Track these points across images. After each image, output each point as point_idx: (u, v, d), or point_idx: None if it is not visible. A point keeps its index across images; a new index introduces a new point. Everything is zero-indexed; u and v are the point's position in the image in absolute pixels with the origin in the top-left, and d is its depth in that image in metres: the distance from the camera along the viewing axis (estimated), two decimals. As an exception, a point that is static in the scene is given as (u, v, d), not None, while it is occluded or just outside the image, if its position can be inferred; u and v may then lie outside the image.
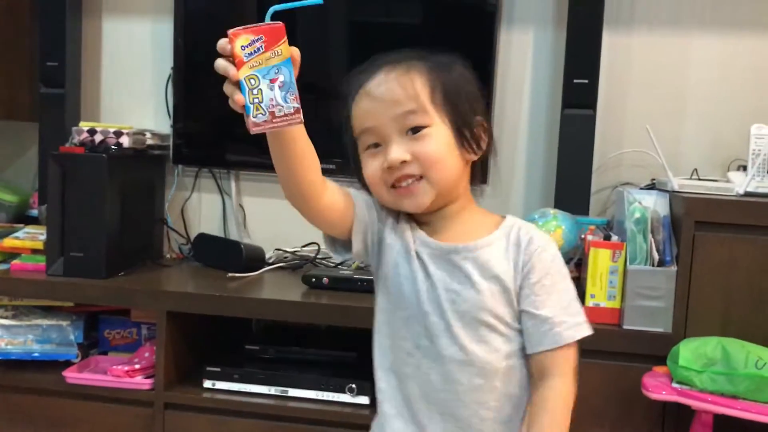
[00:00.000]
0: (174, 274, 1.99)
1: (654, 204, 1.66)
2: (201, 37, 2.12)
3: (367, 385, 1.67)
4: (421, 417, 1.01)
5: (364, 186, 1.07)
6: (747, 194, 1.69)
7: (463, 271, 1.00)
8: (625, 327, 1.58)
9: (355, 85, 1.03)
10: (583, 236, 1.70)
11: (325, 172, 2.11)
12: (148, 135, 2.05)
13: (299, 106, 0.83)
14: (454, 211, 1.05)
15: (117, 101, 2.24)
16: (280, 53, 0.81)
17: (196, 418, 1.74)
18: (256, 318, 1.97)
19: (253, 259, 1.99)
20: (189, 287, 1.85)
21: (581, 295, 1.62)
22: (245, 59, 0.80)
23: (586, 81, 1.86)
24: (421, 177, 0.99)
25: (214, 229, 2.18)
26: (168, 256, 2.18)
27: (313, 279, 1.80)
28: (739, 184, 1.71)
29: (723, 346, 1.41)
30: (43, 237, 1.88)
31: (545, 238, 1.05)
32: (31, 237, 1.93)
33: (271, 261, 2.07)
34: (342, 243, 1.05)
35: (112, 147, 1.89)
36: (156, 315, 1.74)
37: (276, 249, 2.12)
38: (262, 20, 0.85)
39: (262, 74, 0.80)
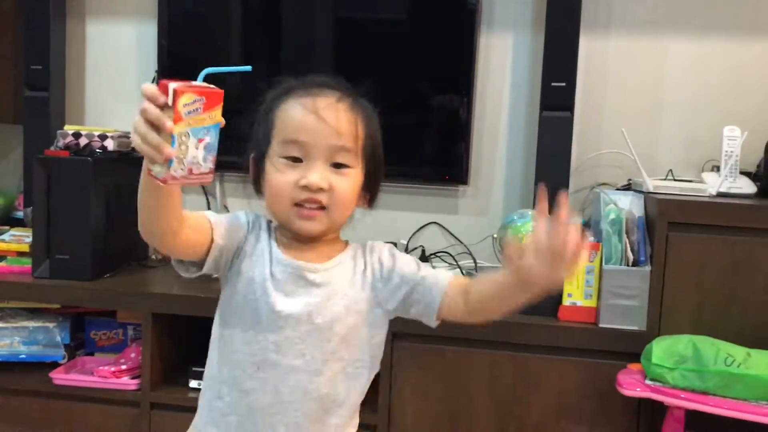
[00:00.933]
0: (159, 275, 2.01)
1: (629, 205, 1.71)
2: (185, 39, 2.14)
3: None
4: (262, 429, 1.01)
5: (258, 187, 1.05)
6: (720, 195, 1.74)
7: (318, 288, 1.02)
8: (601, 325, 1.63)
9: (294, 90, 1.03)
10: (560, 236, 1.74)
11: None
12: (132, 138, 2.07)
13: (213, 167, 0.86)
14: (326, 240, 1.06)
15: (101, 104, 2.26)
16: (213, 117, 0.84)
17: (182, 418, 1.73)
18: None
19: (238, 260, 2.02)
20: (174, 289, 1.87)
21: (559, 295, 1.68)
22: (183, 117, 0.80)
23: (564, 84, 1.90)
24: (324, 208, 1.00)
25: (199, 230, 2.20)
26: (153, 257, 2.20)
27: (297, 280, 1.83)
28: (712, 184, 1.76)
29: (694, 343, 1.46)
30: (29, 240, 1.90)
31: (380, 243, 1.09)
32: (16, 240, 1.95)
33: (255, 261, 2.09)
34: (192, 263, 1.02)
35: (97, 150, 1.91)
36: (142, 316, 1.77)
37: (260, 250, 2.14)
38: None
39: (193, 133, 0.82)
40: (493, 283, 0.99)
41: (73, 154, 1.88)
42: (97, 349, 1.98)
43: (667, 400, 1.45)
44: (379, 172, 1.06)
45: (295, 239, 1.03)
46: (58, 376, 1.81)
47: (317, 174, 0.98)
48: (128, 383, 1.78)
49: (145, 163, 0.85)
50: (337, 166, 1.00)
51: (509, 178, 2.10)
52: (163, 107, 0.81)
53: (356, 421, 1.08)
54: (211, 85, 0.85)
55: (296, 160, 0.99)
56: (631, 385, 1.48)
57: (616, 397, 1.56)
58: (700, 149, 1.99)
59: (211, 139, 0.84)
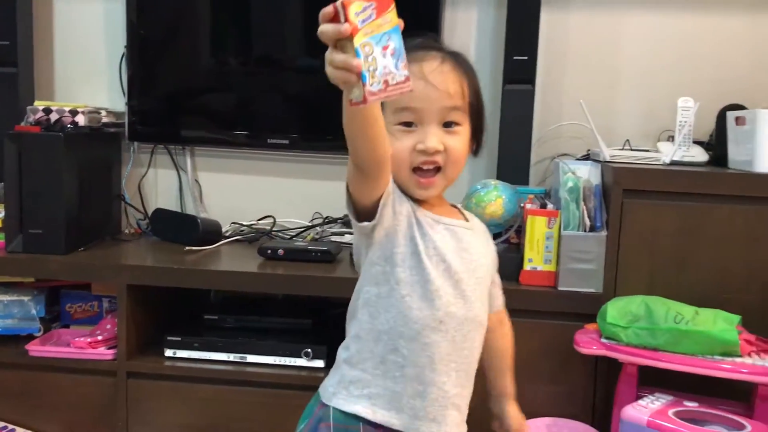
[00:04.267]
0: (133, 248, 2.05)
1: (588, 174, 1.78)
2: (153, 15, 2.15)
3: (322, 349, 1.77)
4: (438, 376, 1.08)
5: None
6: (673, 163, 1.81)
7: (470, 244, 1.11)
8: (560, 288, 1.70)
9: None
10: (522, 205, 1.81)
11: (279, 147, 2.17)
12: (103, 113, 2.09)
13: (408, 73, 0.82)
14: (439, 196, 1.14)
15: (71, 80, 2.27)
16: (389, 20, 0.80)
17: (158, 386, 1.82)
18: (214, 289, 2.05)
19: (210, 232, 2.06)
20: (148, 261, 1.91)
21: (520, 260, 1.75)
22: (359, 26, 0.77)
23: (526, 58, 1.96)
24: (439, 169, 1.06)
25: (170, 204, 2.24)
26: (126, 231, 2.23)
27: (269, 251, 1.88)
28: (666, 153, 1.83)
29: (646, 303, 1.54)
30: (2, 215, 1.92)
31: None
32: (-11, 215, 1.97)
33: (227, 234, 2.14)
34: (363, 211, 1.03)
35: (68, 126, 1.93)
36: (117, 288, 1.81)
37: (232, 223, 2.19)
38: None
39: (375, 41, 0.78)
40: (501, 374, 1.30)
41: (44, 129, 1.90)
42: (72, 322, 2.01)
43: (621, 357, 1.53)
44: (483, 123, 1.13)
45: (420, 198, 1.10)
46: (35, 348, 1.84)
47: (433, 137, 1.03)
48: (104, 353, 1.82)
49: (344, 95, 0.85)
50: (448, 125, 1.05)
51: (474, 150, 2.16)
52: (336, 22, 0.79)
53: None
54: None
55: (409, 124, 1.04)
56: (588, 343, 1.56)
57: (575, 356, 1.64)
58: (656, 120, 2.07)
59: (396, 43, 0.80)
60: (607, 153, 1.82)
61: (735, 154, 1.78)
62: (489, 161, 2.13)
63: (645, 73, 2.09)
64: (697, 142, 1.91)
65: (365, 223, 1.03)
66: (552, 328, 1.70)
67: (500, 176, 1.97)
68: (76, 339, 1.84)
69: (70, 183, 1.90)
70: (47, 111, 1.94)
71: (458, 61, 1.09)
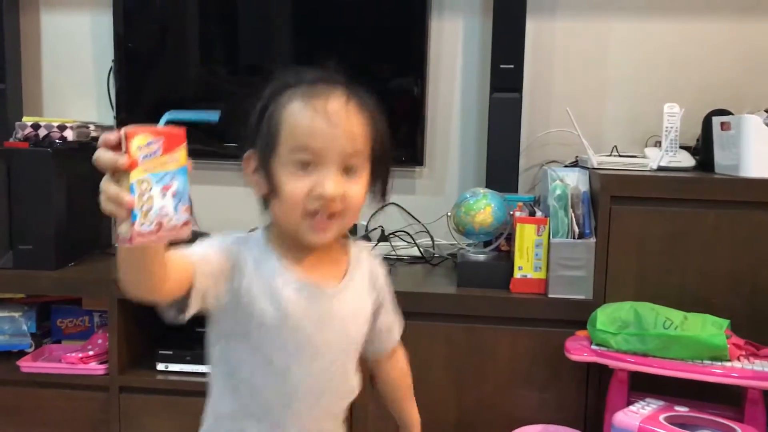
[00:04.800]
0: (123, 262, 2.04)
1: (576, 181, 1.79)
2: (140, 29, 2.16)
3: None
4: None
5: (263, 192, 0.98)
6: (660, 169, 1.83)
7: (335, 313, 1.01)
8: (550, 295, 1.71)
9: (299, 88, 0.97)
10: (511, 213, 1.82)
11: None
12: (92, 127, 2.09)
13: (189, 218, 0.76)
14: (329, 245, 1.03)
15: (59, 95, 2.27)
16: (177, 159, 0.74)
17: (150, 400, 1.82)
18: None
19: (201, 245, 2.06)
20: (139, 275, 1.90)
21: (510, 268, 1.75)
22: (139, 161, 0.70)
23: (512, 66, 1.97)
24: (337, 216, 0.96)
25: (161, 217, 2.23)
26: (116, 245, 2.22)
27: (259, 262, 1.88)
28: (653, 159, 1.85)
29: (635, 309, 1.55)
30: (-9, 231, 1.91)
31: (378, 260, 1.11)
32: (-22, 231, 1.96)
33: (218, 246, 2.13)
34: (176, 306, 0.93)
35: (57, 141, 1.93)
36: (107, 303, 1.81)
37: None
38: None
39: (155, 179, 0.72)
40: (401, 402, 1.19)
41: (33, 145, 1.90)
42: (63, 337, 2.01)
43: (612, 363, 1.53)
44: (388, 167, 1.03)
45: (297, 248, 0.99)
46: (26, 364, 1.84)
47: (332, 183, 0.93)
48: (96, 368, 1.82)
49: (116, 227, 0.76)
50: (349, 170, 0.95)
51: (463, 159, 2.18)
52: (117, 151, 0.72)
53: None
54: (170, 127, 0.76)
55: (305, 165, 0.94)
56: (578, 350, 1.56)
57: (566, 362, 1.64)
58: (642, 125, 2.08)
59: (181, 185, 0.74)
60: (595, 160, 1.83)
61: (721, 159, 1.80)
62: (478, 169, 2.14)
63: (631, 80, 2.11)
64: (683, 147, 1.92)
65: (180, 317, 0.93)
66: (542, 335, 1.71)
67: (489, 184, 1.98)
68: (68, 354, 1.84)
69: (60, 198, 1.90)
70: (36, 126, 1.94)
71: (364, 101, 0.99)
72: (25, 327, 1.91)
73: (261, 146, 0.97)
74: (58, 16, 2.25)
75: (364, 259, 1.08)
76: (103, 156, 0.73)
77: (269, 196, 0.97)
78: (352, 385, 1.07)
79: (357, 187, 0.97)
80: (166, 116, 0.81)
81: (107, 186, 0.73)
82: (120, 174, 0.72)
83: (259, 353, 0.98)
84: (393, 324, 1.15)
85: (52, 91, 2.27)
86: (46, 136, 1.94)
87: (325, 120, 0.94)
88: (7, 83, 2.11)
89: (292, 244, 0.99)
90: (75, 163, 1.98)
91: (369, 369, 1.17)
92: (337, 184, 0.94)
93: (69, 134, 1.95)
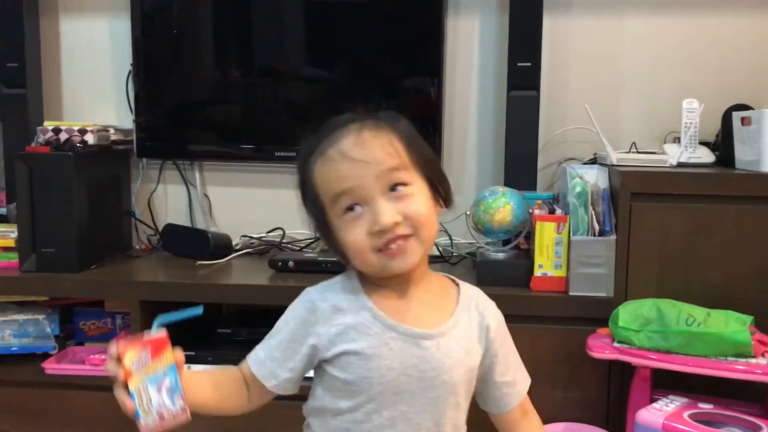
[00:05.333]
0: (144, 264, 2.06)
1: (595, 178, 1.78)
2: (159, 32, 2.18)
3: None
4: None
5: (338, 251, 1.00)
6: (680, 165, 1.82)
7: (434, 358, 0.97)
8: (570, 293, 1.70)
9: (318, 148, 0.96)
10: (530, 211, 1.81)
11: (286, 159, 2.17)
12: (111, 131, 2.11)
13: (185, 404, 0.89)
14: (417, 276, 1.00)
15: (78, 99, 2.29)
16: (165, 360, 0.88)
17: (173, 400, 1.83)
18: (226, 303, 2.06)
19: (221, 246, 2.08)
20: (160, 276, 1.92)
21: (530, 266, 1.75)
22: (134, 372, 0.86)
23: (529, 64, 1.97)
24: (410, 236, 0.94)
25: (180, 219, 2.25)
26: (137, 247, 2.25)
27: (279, 263, 1.89)
28: (672, 155, 1.84)
29: (657, 306, 1.54)
30: (14, 235, 1.93)
31: (494, 306, 1.08)
32: (1, 235, 1.98)
33: (238, 247, 2.15)
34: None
35: (78, 145, 1.95)
36: (130, 304, 1.82)
37: (242, 236, 2.20)
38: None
39: (150, 382, 0.86)
40: None
41: (54, 149, 1.92)
42: (86, 339, 2.03)
43: (634, 361, 1.53)
44: (439, 173, 1.00)
45: (392, 291, 0.98)
46: (51, 366, 1.86)
47: (384, 212, 0.91)
48: (119, 370, 1.83)
49: None
50: (395, 188, 0.93)
51: (480, 158, 2.17)
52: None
53: None
54: (154, 333, 0.90)
55: (352, 209, 0.93)
56: (600, 348, 1.56)
57: (587, 360, 1.64)
58: (661, 122, 2.07)
59: (171, 381, 0.88)
60: (614, 156, 1.82)
61: (742, 154, 1.78)
62: (496, 168, 2.14)
63: (649, 76, 2.10)
64: (703, 143, 1.91)
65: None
66: (564, 333, 1.71)
67: (507, 182, 1.97)
68: (91, 356, 1.86)
69: (81, 201, 1.92)
70: (56, 131, 1.96)
71: (379, 123, 0.97)
72: (48, 329, 1.93)
73: (314, 216, 0.99)
74: (76, 22, 2.27)
75: (475, 303, 1.04)
76: (109, 368, 0.89)
77: (346, 256, 0.98)
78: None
79: (415, 202, 0.94)
80: (157, 322, 0.90)
81: (116, 392, 0.88)
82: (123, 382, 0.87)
83: (337, 397, 0.98)
84: (514, 378, 1.08)
85: (72, 96, 2.29)
86: (67, 140, 1.96)
87: (347, 161, 0.93)
88: (27, 88, 2.13)
89: (387, 288, 0.99)
90: (96, 167, 2.01)
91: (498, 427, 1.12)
92: (389, 211, 0.92)
93: (89, 138, 1.97)
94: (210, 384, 0.98)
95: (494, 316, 1.06)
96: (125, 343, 0.87)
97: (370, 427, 0.96)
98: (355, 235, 0.93)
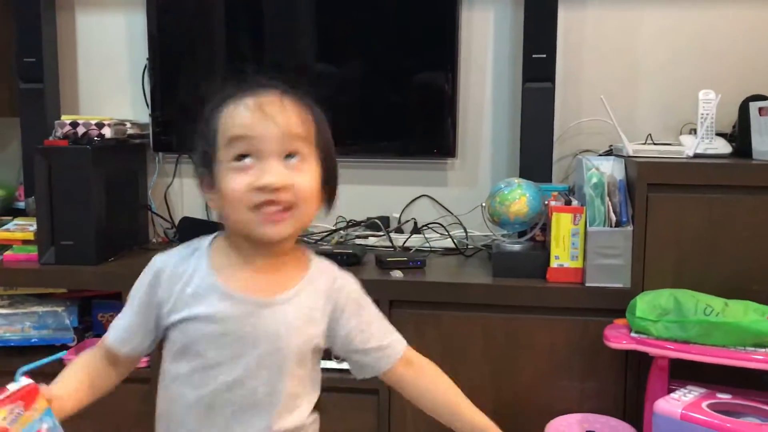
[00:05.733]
0: (161, 257, 2.07)
1: (611, 169, 1.78)
2: (174, 26, 2.19)
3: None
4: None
5: (215, 203, 0.99)
6: (696, 156, 1.81)
7: (270, 325, 0.96)
8: (587, 284, 1.70)
9: (232, 95, 0.96)
10: (546, 202, 1.82)
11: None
12: (128, 125, 2.12)
13: None
14: (283, 250, 0.99)
15: (95, 93, 2.31)
16: (38, 407, 0.89)
17: (191, 392, 1.84)
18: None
19: (237, 239, 2.08)
20: (177, 269, 1.93)
21: (546, 258, 1.75)
22: (9, 427, 0.85)
23: (544, 55, 1.97)
24: (290, 208, 0.93)
25: (196, 212, 2.27)
26: (154, 240, 2.26)
27: (295, 255, 1.90)
28: (689, 146, 1.83)
29: (675, 297, 1.54)
30: (33, 228, 1.95)
31: (347, 278, 1.05)
32: (20, 228, 2.00)
33: (253, 240, 2.16)
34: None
35: (95, 138, 1.97)
36: (147, 296, 1.83)
37: (257, 229, 2.21)
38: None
39: (29, 430, 0.87)
40: (456, 412, 1.05)
41: (72, 143, 1.94)
42: (104, 331, 2.02)
43: (652, 351, 1.53)
44: (335, 171, 1.00)
45: (245, 260, 0.97)
46: (70, 358, 1.87)
47: (273, 173, 0.91)
48: (138, 361, 1.85)
49: None
50: (291, 156, 0.93)
51: (495, 150, 2.17)
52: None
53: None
54: (25, 382, 0.90)
55: (244, 157, 0.92)
56: (618, 338, 1.56)
57: (604, 352, 1.64)
58: (677, 113, 2.06)
59: (49, 423, 0.90)
60: (630, 148, 1.82)
61: (759, 145, 1.78)
62: (511, 160, 2.14)
63: (665, 67, 2.09)
64: (719, 135, 1.90)
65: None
66: (580, 324, 1.71)
67: (522, 174, 1.97)
68: (110, 348, 1.87)
69: (99, 194, 1.93)
70: (74, 125, 1.98)
71: (303, 98, 0.97)
72: (67, 321, 1.94)
73: (204, 155, 0.97)
74: (93, 17, 2.29)
75: (326, 276, 1.02)
76: None
77: (222, 204, 0.96)
78: (284, 409, 0.98)
79: (305, 175, 0.94)
80: (20, 372, 0.95)
81: None
82: None
83: (178, 361, 0.99)
84: (380, 343, 1.04)
85: (88, 90, 2.31)
86: (85, 133, 1.97)
87: (258, 111, 0.92)
88: (45, 83, 2.14)
89: (246, 251, 0.97)
90: (113, 160, 2.02)
91: (394, 386, 1.09)
92: (280, 173, 0.91)
93: (107, 131, 1.99)
94: (79, 387, 1.01)
95: (344, 287, 1.03)
96: None
97: (206, 391, 0.96)
98: (237, 184, 0.91)
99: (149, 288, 1.01)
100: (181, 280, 0.98)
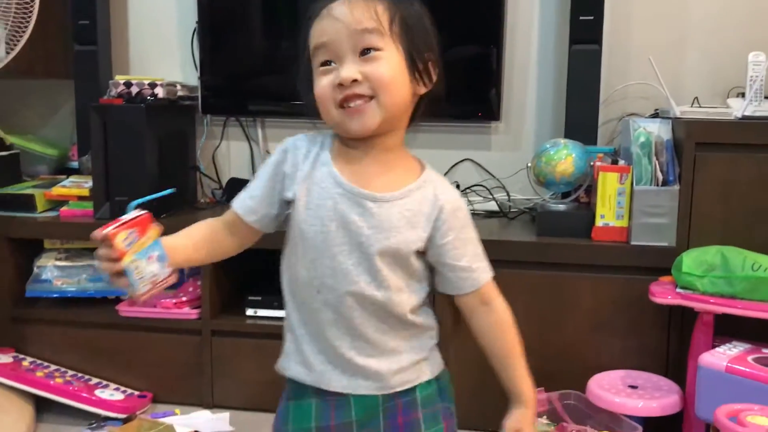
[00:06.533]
0: (210, 214, 2.09)
1: (657, 130, 1.78)
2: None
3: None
4: (331, 340, 1.03)
5: (312, 108, 1.04)
6: (744, 118, 1.80)
7: (373, 218, 1.01)
8: (632, 243, 1.72)
9: (316, 9, 1.03)
10: (591, 164, 1.83)
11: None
12: (178, 86, 2.17)
13: (171, 270, 0.99)
14: (386, 146, 1.04)
15: (145, 56, 2.36)
16: (151, 236, 0.96)
17: (240, 343, 1.91)
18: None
19: (283, 199, 2.13)
20: (227, 225, 1.98)
21: (591, 218, 1.77)
22: (126, 250, 0.92)
23: (592, 17, 1.96)
24: (371, 98, 0.99)
25: (243, 174, 2.32)
26: (202, 200, 2.32)
27: (342, 213, 1.94)
28: (737, 108, 1.82)
29: (722, 253, 1.55)
30: (87, 185, 2.02)
31: (456, 194, 1.08)
32: (76, 185, 2.07)
33: (299, 201, 2.20)
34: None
35: (148, 98, 2.02)
36: (199, 251, 1.89)
37: (303, 190, 2.25)
38: None
39: (140, 256, 0.94)
40: (502, 367, 1.09)
41: (126, 101, 1.99)
42: (155, 286, 2.11)
43: (698, 306, 1.54)
44: (422, 50, 1.02)
45: (353, 157, 1.03)
46: (125, 309, 1.94)
47: (346, 68, 0.98)
48: (189, 313, 1.91)
49: None
50: (366, 52, 0.98)
51: (540, 113, 2.18)
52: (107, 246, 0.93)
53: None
54: (137, 213, 0.96)
55: (327, 63, 0.99)
56: (663, 294, 1.57)
57: (648, 309, 1.67)
58: (725, 77, 2.05)
59: (159, 251, 0.96)
60: (677, 109, 1.82)
61: (809, 107, 1.77)
62: (556, 123, 2.15)
63: (713, 30, 2.08)
64: (768, 98, 1.89)
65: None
66: (625, 282, 1.73)
67: (568, 137, 1.98)
68: (162, 300, 1.93)
69: (152, 152, 1.98)
70: (128, 84, 2.03)
71: None
72: (122, 274, 2.01)
73: (302, 71, 1.04)
74: (144, -19, 2.34)
75: (434, 185, 1.05)
76: (100, 253, 0.93)
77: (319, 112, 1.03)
78: (384, 298, 1.02)
79: (380, 65, 0.98)
80: (133, 204, 0.97)
81: (107, 270, 0.94)
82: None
83: (298, 250, 1.04)
84: (470, 264, 1.07)
85: (138, 53, 2.36)
86: (138, 93, 2.03)
87: (330, 18, 0.99)
88: (98, 45, 2.20)
89: (356, 148, 1.04)
90: (165, 120, 2.08)
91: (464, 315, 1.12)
92: (351, 68, 0.97)
93: (159, 91, 2.04)
94: (191, 244, 1.07)
95: (451, 201, 1.05)
96: (114, 227, 0.92)
97: (314, 274, 1.02)
98: (321, 86, 0.99)
99: (276, 163, 1.07)
100: (306, 159, 1.05)
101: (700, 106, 1.98)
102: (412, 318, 1.06)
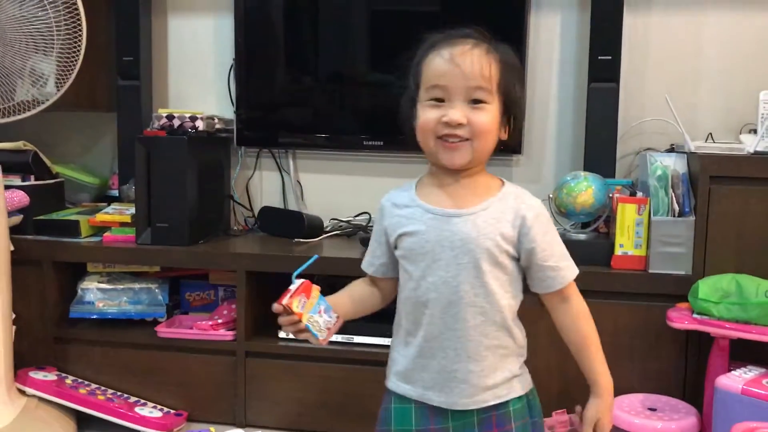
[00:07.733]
0: (245, 241, 2.23)
1: (673, 164, 1.87)
2: (259, 31, 2.35)
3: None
4: (437, 356, 1.19)
5: (405, 124, 1.22)
6: (756, 153, 1.89)
7: (461, 231, 1.16)
8: (650, 271, 1.80)
9: (436, 43, 1.18)
10: (610, 195, 1.92)
11: (374, 148, 2.28)
12: (216, 120, 2.29)
13: (337, 315, 1.23)
14: (470, 174, 1.19)
15: (184, 91, 2.48)
16: (315, 296, 1.19)
17: (273, 364, 1.99)
18: (322, 275, 2.21)
19: (313, 227, 2.23)
20: (262, 250, 2.08)
21: (610, 246, 1.85)
22: (302, 311, 1.17)
23: (610, 57, 2.07)
24: (467, 140, 1.14)
25: (275, 203, 2.42)
26: (235, 228, 2.42)
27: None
28: (749, 144, 1.91)
29: (737, 280, 1.63)
30: (129, 212, 2.13)
31: (537, 202, 1.22)
32: (118, 212, 2.17)
33: (327, 229, 2.30)
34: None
35: (189, 130, 2.13)
36: (234, 276, 1.99)
37: (332, 219, 2.36)
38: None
39: (313, 313, 1.18)
40: (579, 357, 1.26)
41: (169, 133, 2.11)
42: (191, 309, 2.21)
43: (713, 331, 1.61)
44: (515, 105, 1.20)
45: (441, 185, 1.19)
46: (163, 330, 2.04)
47: (456, 111, 1.14)
48: (225, 334, 2.00)
49: None
50: (476, 102, 1.14)
51: (559, 147, 2.28)
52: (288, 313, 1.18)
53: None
54: (299, 282, 1.19)
55: (439, 101, 1.15)
56: (680, 319, 1.65)
57: (666, 335, 1.74)
58: (737, 114, 2.14)
59: (324, 304, 1.20)
60: (692, 145, 1.91)
61: (819, 143, 1.85)
62: (575, 157, 2.24)
63: (725, 70, 2.18)
64: (779, 134, 1.98)
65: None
66: (643, 308, 1.80)
67: (587, 170, 2.07)
68: (199, 322, 2.02)
69: (192, 182, 2.09)
70: (170, 117, 2.15)
71: (492, 47, 1.17)
72: (160, 297, 2.11)
73: (409, 92, 1.21)
74: (183, 20, 2.47)
75: (515, 196, 1.20)
76: (283, 322, 1.19)
77: (419, 135, 1.19)
78: (485, 303, 1.17)
79: (482, 115, 1.14)
80: (294, 275, 1.21)
81: (291, 330, 1.20)
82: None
83: (404, 274, 1.22)
84: (557, 264, 1.21)
85: (177, 88, 2.49)
86: (180, 125, 2.14)
87: (450, 62, 1.15)
88: (141, 80, 2.33)
89: (441, 177, 1.20)
90: (204, 152, 2.19)
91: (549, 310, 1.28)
92: (460, 112, 1.13)
93: (200, 124, 2.16)
94: (348, 298, 1.29)
95: (533, 208, 1.20)
96: (287, 298, 1.16)
97: (421, 292, 1.19)
98: (428, 116, 1.16)
99: (378, 221, 1.28)
100: (397, 207, 1.24)
101: (714, 142, 2.07)
102: (512, 324, 1.21)
